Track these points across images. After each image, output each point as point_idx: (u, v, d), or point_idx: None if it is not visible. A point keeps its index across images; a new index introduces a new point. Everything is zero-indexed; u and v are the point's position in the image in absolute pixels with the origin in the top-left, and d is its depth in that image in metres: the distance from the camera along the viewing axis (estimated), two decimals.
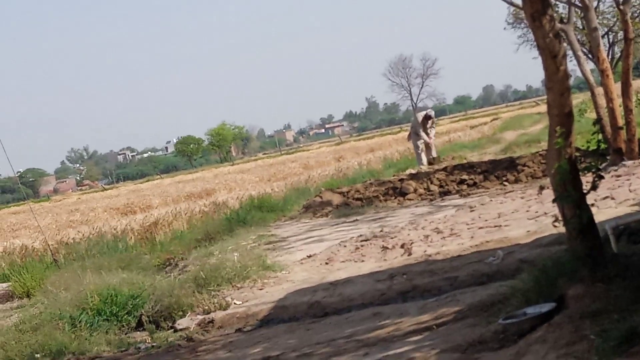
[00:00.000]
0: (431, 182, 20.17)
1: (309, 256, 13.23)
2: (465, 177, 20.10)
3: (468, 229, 12.71)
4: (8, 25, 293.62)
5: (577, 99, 40.01)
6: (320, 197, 20.93)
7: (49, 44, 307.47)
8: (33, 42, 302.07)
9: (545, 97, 6.94)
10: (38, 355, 10.06)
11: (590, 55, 25.70)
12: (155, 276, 13.77)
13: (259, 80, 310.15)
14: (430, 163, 26.91)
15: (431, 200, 19.01)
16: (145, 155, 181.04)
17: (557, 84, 6.64)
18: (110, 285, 11.96)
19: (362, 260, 11.99)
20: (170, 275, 13.84)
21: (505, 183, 19.16)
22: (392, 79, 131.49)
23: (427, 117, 28.49)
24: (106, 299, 11.49)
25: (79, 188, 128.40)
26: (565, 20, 19.41)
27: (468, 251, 10.94)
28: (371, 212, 18.40)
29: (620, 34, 25.93)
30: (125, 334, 10.90)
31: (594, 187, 6.76)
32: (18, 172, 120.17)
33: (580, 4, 18.16)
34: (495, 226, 12.39)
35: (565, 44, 10.24)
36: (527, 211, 13.19)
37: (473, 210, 14.66)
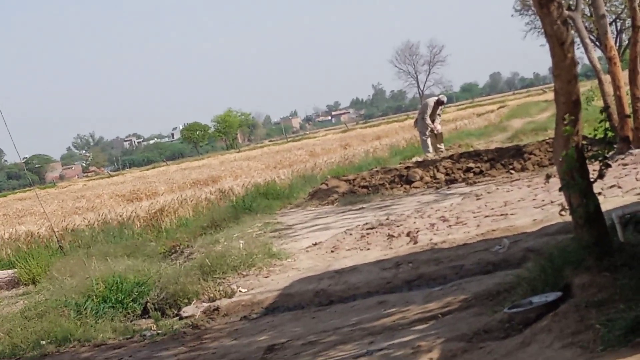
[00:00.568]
0: (437, 170, 20.12)
1: (315, 244, 13.22)
2: (471, 165, 20.05)
3: (474, 217, 12.68)
4: (14, 14, 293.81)
5: (585, 87, 39.83)
6: (326, 184, 20.90)
7: (56, 29, 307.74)
8: (39, 29, 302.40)
9: (552, 84, 6.89)
10: (43, 342, 10.08)
11: (597, 43, 25.62)
12: (161, 263, 13.80)
13: (266, 67, 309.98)
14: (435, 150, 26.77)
15: (437, 188, 18.97)
16: (151, 141, 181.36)
17: (564, 72, 6.59)
18: (116, 273, 11.98)
19: (368, 249, 11.97)
20: (175, 263, 13.84)
21: (512, 171, 19.10)
22: (399, 66, 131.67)
23: (439, 103, 28.01)
24: (112, 286, 11.50)
25: (84, 174, 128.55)
26: (573, 7, 19.32)
27: (474, 240, 10.91)
28: (377, 200, 18.37)
29: (628, 22, 25.84)
30: (131, 321, 10.92)
31: (601, 176, 6.72)
32: (24, 158, 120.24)
33: None
34: (502, 214, 12.36)
35: (573, 31, 10.16)
36: (534, 200, 13.14)
37: (479, 199, 14.62)
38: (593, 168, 6.78)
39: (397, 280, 9.92)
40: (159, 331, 10.03)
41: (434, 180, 19.69)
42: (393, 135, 46.63)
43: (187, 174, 41.81)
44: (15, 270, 17.00)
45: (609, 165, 6.81)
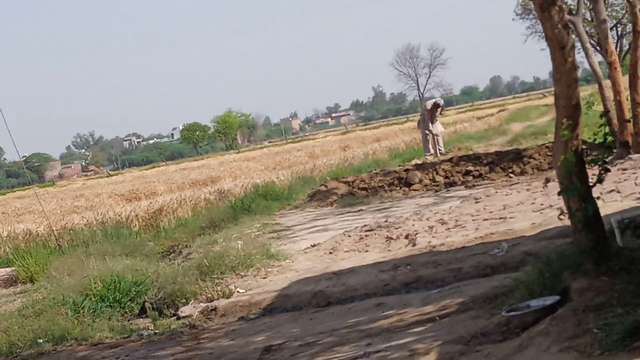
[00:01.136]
0: (437, 173, 20.14)
1: (313, 245, 13.22)
2: (471, 168, 20.07)
3: (473, 220, 12.68)
4: (14, 14, 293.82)
5: (585, 92, 39.84)
6: (326, 186, 20.91)
7: (56, 28, 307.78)
8: (39, 29, 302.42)
9: (552, 88, 6.90)
10: (40, 340, 10.06)
11: (598, 48, 25.63)
12: (159, 263, 13.81)
13: (266, 68, 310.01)
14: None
15: (436, 191, 18.98)
16: (150, 141, 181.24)
17: (564, 76, 6.59)
18: (114, 272, 11.97)
19: (366, 250, 11.97)
20: (174, 263, 13.84)
21: (511, 175, 19.12)
22: (400, 69, 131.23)
23: (435, 106, 28.26)
24: (109, 285, 11.49)
25: (84, 173, 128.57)
26: (574, 12, 19.34)
27: (472, 243, 10.92)
28: (376, 202, 18.39)
29: (629, 27, 25.84)
30: (128, 320, 10.91)
31: (600, 180, 6.72)
32: (23, 156, 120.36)
33: None
34: (500, 218, 12.36)
35: (573, 36, 10.17)
36: (533, 203, 13.15)
37: (478, 202, 14.62)
38: (592, 172, 6.77)
39: (395, 283, 9.92)
40: (157, 331, 10.02)
41: (433, 183, 19.70)
42: (393, 138, 46.68)
43: (186, 174, 41.86)
44: (14, 268, 16.99)
45: (608, 170, 6.81)
